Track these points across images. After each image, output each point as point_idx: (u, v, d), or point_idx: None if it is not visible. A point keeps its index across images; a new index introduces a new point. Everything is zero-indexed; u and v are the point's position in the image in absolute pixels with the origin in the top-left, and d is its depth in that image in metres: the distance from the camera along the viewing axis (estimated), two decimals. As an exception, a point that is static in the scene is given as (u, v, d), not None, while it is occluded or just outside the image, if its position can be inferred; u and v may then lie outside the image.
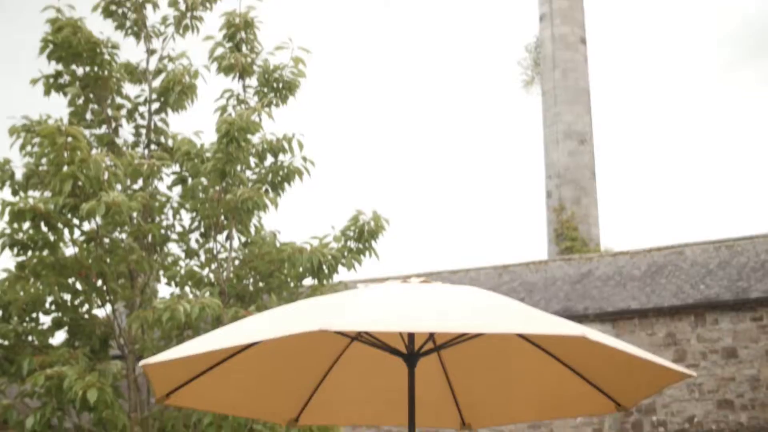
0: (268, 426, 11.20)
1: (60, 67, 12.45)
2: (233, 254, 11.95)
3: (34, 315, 11.69)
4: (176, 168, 12.36)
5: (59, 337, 12.38)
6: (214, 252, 12.05)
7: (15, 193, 11.86)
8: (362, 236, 11.94)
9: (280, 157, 12.30)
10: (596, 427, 22.64)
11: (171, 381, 6.59)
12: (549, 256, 31.69)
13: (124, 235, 11.80)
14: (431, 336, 6.60)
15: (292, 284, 11.94)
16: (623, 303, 23.33)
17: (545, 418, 8.54)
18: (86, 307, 11.88)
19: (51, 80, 12.48)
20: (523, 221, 69.73)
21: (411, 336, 6.57)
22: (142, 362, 6.00)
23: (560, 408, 7.79)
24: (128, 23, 12.95)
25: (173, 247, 12.40)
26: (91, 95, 12.59)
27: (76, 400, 10.49)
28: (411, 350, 6.55)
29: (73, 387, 10.40)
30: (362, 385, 7.42)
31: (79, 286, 11.66)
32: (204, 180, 11.86)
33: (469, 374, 7.37)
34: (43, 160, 11.37)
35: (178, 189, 12.35)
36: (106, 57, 12.52)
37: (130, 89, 13.07)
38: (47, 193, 11.37)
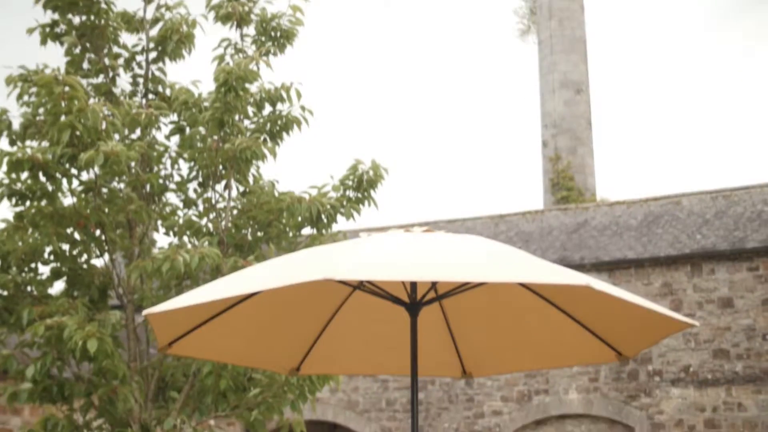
0: (268, 375, 11.23)
1: (56, 16, 12.35)
2: (231, 204, 11.91)
3: (32, 265, 11.67)
4: (174, 117, 12.31)
5: (58, 287, 12.39)
6: (213, 202, 12.02)
7: (12, 143, 11.82)
8: (361, 185, 11.91)
9: (279, 106, 12.25)
10: (592, 376, 22.76)
11: (173, 330, 6.59)
12: (545, 205, 31.71)
13: (122, 185, 11.76)
14: (433, 285, 6.61)
15: (290, 234, 11.92)
16: (619, 253, 23.38)
17: (546, 366, 8.55)
18: (85, 257, 11.86)
19: (47, 30, 12.38)
20: (518, 171, 69.73)
21: (413, 285, 6.57)
22: (145, 312, 6.00)
23: (561, 357, 7.81)
24: (125, -29, 12.84)
25: (171, 197, 12.37)
26: (88, 44, 12.51)
27: (76, 350, 10.49)
28: (413, 299, 6.55)
29: (73, 337, 10.39)
30: (364, 334, 7.43)
31: (77, 236, 11.63)
32: (202, 129, 11.80)
33: (471, 323, 7.38)
34: (41, 110, 11.30)
35: (176, 138, 12.30)
36: (103, 6, 12.41)
37: (127, 38, 12.99)
38: (45, 143, 11.32)
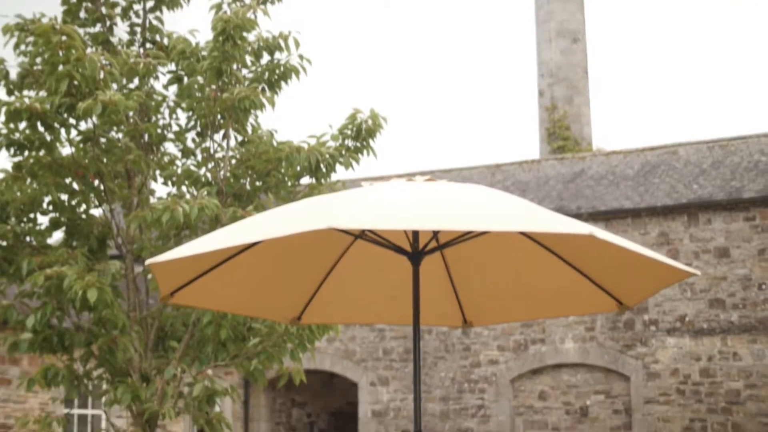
0: (267, 324, 11.27)
1: (52, -36, 12.26)
2: (230, 153, 11.88)
3: (31, 215, 11.67)
4: (172, 67, 12.25)
5: (57, 238, 12.39)
6: (211, 151, 11.99)
7: (10, 92, 11.77)
8: (360, 135, 11.88)
9: (277, 55, 12.19)
10: (588, 325, 22.86)
11: (176, 280, 6.59)
12: (541, 155, 31.68)
13: (120, 135, 11.73)
14: (435, 234, 6.60)
15: (289, 183, 11.91)
16: (616, 202, 23.38)
17: (546, 316, 8.58)
18: (84, 207, 11.86)
19: (43, -22, 12.30)
20: (515, 120, 69.62)
21: (415, 234, 6.57)
22: (148, 261, 6.00)
23: (562, 306, 7.83)
24: None
25: (170, 147, 12.35)
26: (85, -7, 12.42)
27: (76, 300, 10.52)
28: (415, 248, 6.55)
29: (72, 287, 10.41)
30: (365, 284, 7.43)
31: (76, 186, 11.62)
32: (200, 79, 11.75)
33: (472, 273, 7.39)
34: (38, 60, 11.24)
35: (174, 88, 12.25)
36: (100, -46, 12.32)
37: (124, -13, 12.89)
38: (43, 93, 11.28)
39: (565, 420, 22.99)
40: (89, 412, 22.99)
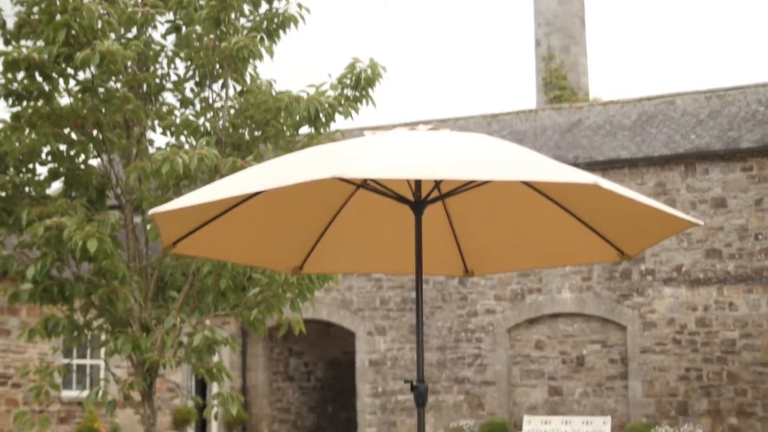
0: (267, 274, 11.28)
1: None
2: (229, 103, 11.83)
3: (30, 166, 11.64)
4: (170, 16, 12.15)
5: (56, 188, 12.37)
6: (210, 101, 11.94)
7: (7, 42, 11.69)
8: (359, 84, 11.83)
9: (275, 4, 12.11)
10: (585, 275, 22.92)
11: (178, 230, 6.59)
12: (537, 105, 31.61)
13: (119, 85, 11.67)
14: (437, 183, 6.59)
15: (288, 133, 11.86)
16: (613, 152, 23.38)
17: (547, 266, 8.60)
18: (82, 157, 11.83)
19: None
20: (511, 70, 69.39)
21: (418, 183, 6.56)
22: (151, 211, 5.99)
23: (563, 256, 7.85)
24: None
25: (168, 97, 12.29)
26: (81, -59, 12.30)
27: (76, 250, 10.52)
28: (418, 198, 6.54)
29: (72, 237, 10.41)
30: (366, 234, 7.43)
31: (74, 136, 11.58)
32: (198, 28, 11.67)
33: (474, 222, 7.39)
34: (35, 9, 11.16)
35: (172, 38, 12.16)
36: None
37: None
38: (40, 43, 11.20)
39: (562, 369, 23.11)
40: (88, 362, 23.10)
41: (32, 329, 11.38)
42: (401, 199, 6.50)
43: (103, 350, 13.77)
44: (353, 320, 25.36)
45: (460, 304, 24.11)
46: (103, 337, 12.10)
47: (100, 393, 11.16)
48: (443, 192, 6.61)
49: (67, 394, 22.22)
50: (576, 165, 22.58)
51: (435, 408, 24.12)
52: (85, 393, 15.96)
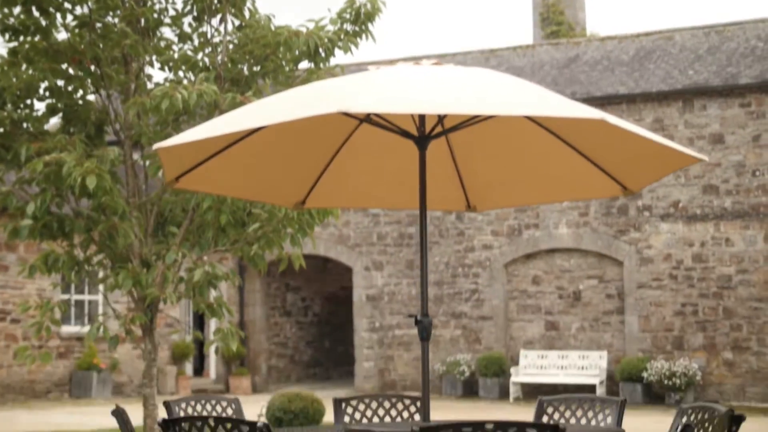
0: (267, 209, 11.27)
1: None
2: (227, 38, 11.74)
3: (28, 101, 11.57)
4: (167, -51, 12.03)
5: (54, 123, 12.31)
6: (208, 36, 11.84)
7: (3, -24, 11.58)
8: (358, 19, 11.75)
9: (273, -63, 12.00)
10: (582, 211, 22.95)
11: (181, 164, 6.58)
12: (535, 40, 31.43)
13: (116, 20, 11.57)
14: (441, 118, 6.57)
15: (287, 68, 11.79)
16: (611, 88, 23.30)
17: (549, 201, 8.60)
18: (80, 92, 11.75)
19: None
20: (508, 5, 68.94)
21: (422, 118, 6.54)
22: (155, 145, 5.97)
23: (565, 191, 7.86)
24: None
25: (166, 32, 12.20)
26: None
27: (75, 187, 10.49)
28: (422, 132, 6.53)
29: (71, 173, 10.38)
30: (369, 169, 7.43)
31: (72, 71, 11.50)
32: (196, -39, 11.57)
33: (477, 157, 7.38)
34: (32, -57, 11.05)
35: (169, -29, 12.05)
36: None
37: None
38: (37, -23, 11.10)
39: (558, 304, 23.22)
40: (86, 297, 23.17)
41: (32, 265, 11.38)
42: (405, 134, 6.49)
43: (101, 286, 13.79)
44: (350, 255, 25.42)
45: (457, 240, 24.15)
46: (101, 274, 12.12)
47: (102, 328, 11.20)
48: (447, 127, 6.60)
49: (66, 329, 22.32)
50: (574, 101, 22.50)
51: (432, 343, 24.23)
52: (86, 329, 16.03)
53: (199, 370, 27.16)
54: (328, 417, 15.67)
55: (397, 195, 7.82)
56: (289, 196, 7.49)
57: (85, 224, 11.40)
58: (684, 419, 7.00)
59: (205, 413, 7.50)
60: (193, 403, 7.52)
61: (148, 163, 11.44)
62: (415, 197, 7.08)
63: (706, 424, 5.72)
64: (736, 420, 5.94)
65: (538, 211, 23.35)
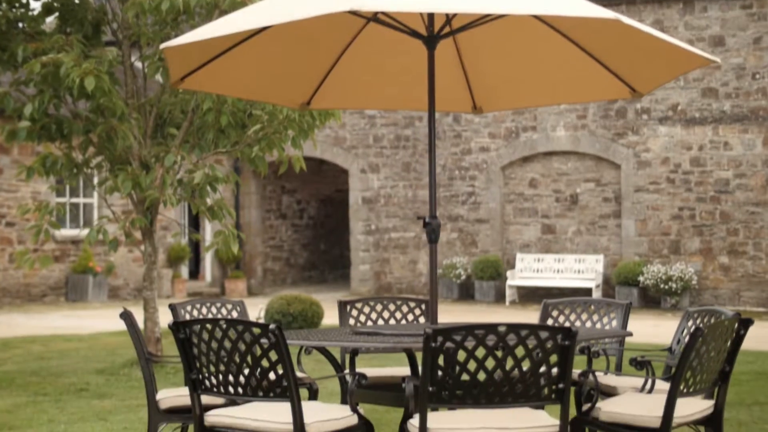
0: (268, 111, 11.17)
1: None
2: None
3: (23, 0, 11.40)
4: None
5: (50, 23, 12.13)
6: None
7: None
8: None
9: None
10: (580, 113, 22.83)
11: (187, 65, 6.48)
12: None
13: None
14: (449, 18, 6.45)
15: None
16: (611, -11, 22.98)
17: (557, 102, 8.53)
18: (76, -9, 11.59)
19: None
20: None
21: (431, 17, 6.43)
22: (162, 45, 5.87)
23: (573, 93, 7.77)
24: None
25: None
26: None
27: (74, 88, 10.40)
28: (431, 32, 6.42)
29: (70, 74, 10.27)
30: (376, 69, 7.33)
31: (67, -31, 11.33)
32: None
33: (485, 58, 7.28)
34: None
35: None
36: None
37: None
38: None
39: (555, 207, 23.22)
40: (81, 200, 23.12)
41: (31, 167, 11.31)
42: (414, 33, 6.38)
43: (96, 190, 13.67)
44: (346, 158, 25.33)
45: (454, 142, 24.05)
46: (96, 177, 12.05)
47: (102, 231, 11.16)
48: (456, 27, 6.48)
49: (61, 233, 22.30)
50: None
51: (428, 245, 24.24)
52: (85, 232, 16.00)
53: (195, 273, 27.23)
54: (327, 320, 15.73)
55: (403, 96, 7.73)
56: (294, 97, 7.40)
57: (83, 126, 11.32)
58: (690, 323, 7.00)
59: (210, 316, 7.49)
60: (198, 305, 7.50)
61: (147, 63, 11.30)
62: (420, 98, 6.99)
63: (714, 328, 5.70)
64: (744, 323, 5.92)
65: (536, 113, 23.21)
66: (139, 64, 12.09)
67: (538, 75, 7.39)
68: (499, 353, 5.12)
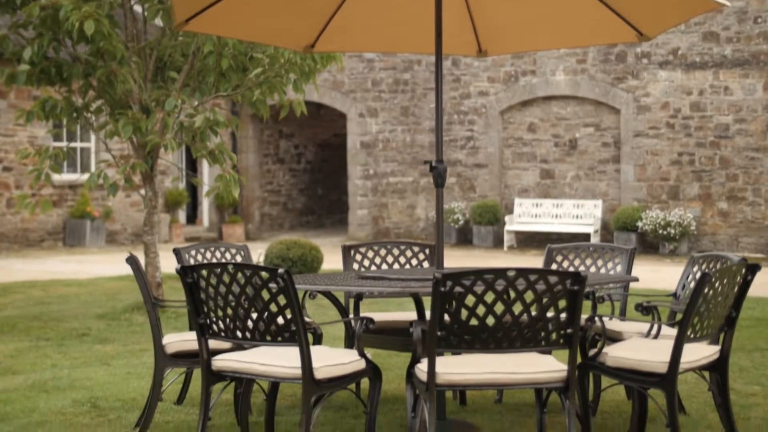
0: (269, 54, 11.09)
1: None
2: None
3: (21, -58, 11.27)
4: None
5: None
6: None
7: None
8: None
9: None
10: (580, 58, 22.71)
11: (191, 7, 6.41)
12: None
13: None
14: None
15: None
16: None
17: (563, 46, 8.46)
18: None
19: None
20: None
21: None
22: (167, -14, 5.79)
23: (580, 36, 7.73)
24: None
25: None
26: None
27: (73, 32, 10.31)
28: (438, -26, 6.36)
29: (69, 17, 10.18)
30: (381, 12, 7.25)
31: None
32: None
33: (490, 1, 7.19)
34: None
35: None
36: None
37: None
38: None
39: (554, 152, 23.16)
40: (78, 145, 23.03)
41: (30, 111, 11.23)
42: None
43: (93, 134, 13.53)
44: (344, 102, 25.22)
45: (453, 86, 23.94)
46: (95, 122, 11.96)
47: (102, 175, 11.11)
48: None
49: (59, 177, 22.23)
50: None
51: (427, 190, 24.24)
52: (85, 176, 15.95)
53: (192, 218, 27.20)
54: (326, 264, 15.74)
55: (407, 39, 7.67)
56: (298, 39, 7.35)
57: (83, 70, 11.23)
58: (695, 268, 6.99)
59: (215, 260, 7.47)
60: (202, 250, 7.48)
61: (146, 6, 11.19)
62: (425, 41, 6.95)
63: (721, 274, 5.69)
64: (752, 269, 5.92)
65: (536, 57, 23.08)
66: (138, 8, 11.97)
67: (545, 17, 7.32)
68: (507, 298, 5.11)
